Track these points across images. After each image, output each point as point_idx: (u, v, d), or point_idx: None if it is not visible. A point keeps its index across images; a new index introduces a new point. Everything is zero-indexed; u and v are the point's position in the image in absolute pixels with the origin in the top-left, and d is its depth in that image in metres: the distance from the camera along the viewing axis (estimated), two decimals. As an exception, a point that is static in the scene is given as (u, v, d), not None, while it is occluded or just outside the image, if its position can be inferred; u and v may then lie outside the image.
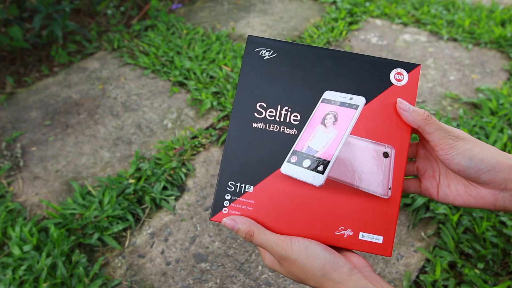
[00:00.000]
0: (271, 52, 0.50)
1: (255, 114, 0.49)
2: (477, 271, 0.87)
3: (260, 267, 0.92)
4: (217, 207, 0.48)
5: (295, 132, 0.48)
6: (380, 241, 0.46)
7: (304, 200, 0.47)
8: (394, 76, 0.48)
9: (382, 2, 2.01)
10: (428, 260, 0.92)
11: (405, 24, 1.86)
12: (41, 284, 0.86)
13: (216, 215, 0.47)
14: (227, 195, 0.48)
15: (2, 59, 1.64)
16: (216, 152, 1.21)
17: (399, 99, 0.47)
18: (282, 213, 0.47)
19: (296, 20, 1.89)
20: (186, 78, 1.50)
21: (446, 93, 1.43)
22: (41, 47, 1.71)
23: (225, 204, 0.47)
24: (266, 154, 0.48)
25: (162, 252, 0.96)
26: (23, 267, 0.90)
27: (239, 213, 0.47)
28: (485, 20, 1.82)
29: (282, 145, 0.48)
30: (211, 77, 1.50)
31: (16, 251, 0.93)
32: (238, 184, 0.48)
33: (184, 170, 1.14)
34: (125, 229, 1.01)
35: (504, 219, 0.95)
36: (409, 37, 1.76)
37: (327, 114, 0.48)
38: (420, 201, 1.00)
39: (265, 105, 0.49)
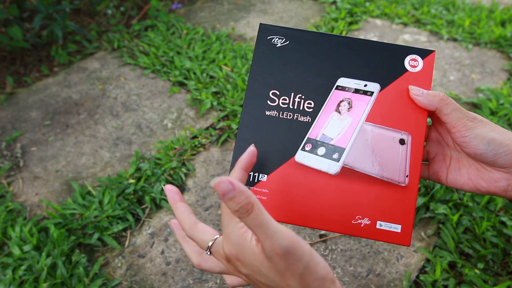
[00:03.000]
0: (284, 39, 0.49)
1: (268, 102, 0.48)
2: (477, 271, 0.87)
3: (260, 267, 0.92)
4: None
5: (309, 119, 0.47)
6: (399, 230, 0.45)
7: (319, 189, 0.46)
8: (409, 63, 0.47)
9: (382, 2, 2.01)
10: (428, 260, 0.92)
11: (405, 24, 1.86)
12: (41, 284, 0.86)
13: None
14: None
15: (2, 59, 1.64)
16: (216, 152, 1.21)
17: (410, 86, 0.46)
18: (297, 202, 0.46)
19: (296, 20, 1.89)
20: (186, 78, 1.50)
21: (446, 93, 1.43)
22: (41, 47, 1.71)
23: None
24: (280, 143, 0.47)
25: (162, 252, 0.96)
26: (23, 267, 0.90)
27: None
28: (485, 20, 1.82)
29: (296, 133, 0.47)
30: (211, 77, 1.50)
31: (16, 251, 0.93)
32: (251, 173, 0.47)
33: (184, 170, 1.14)
34: (125, 229, 1.01)
35: (504, 219, 0.95)
36: (409, 37, 1.76)
37: (341, 101, 0.47)
38: (420, 201, 1.00)
39: (278, 93, 0.48)
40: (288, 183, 0.46)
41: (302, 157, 0.46)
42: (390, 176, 0.46)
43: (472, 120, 0.44)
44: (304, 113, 0.47)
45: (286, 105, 0.47)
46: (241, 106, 1.32)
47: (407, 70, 0.47)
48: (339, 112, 0.47)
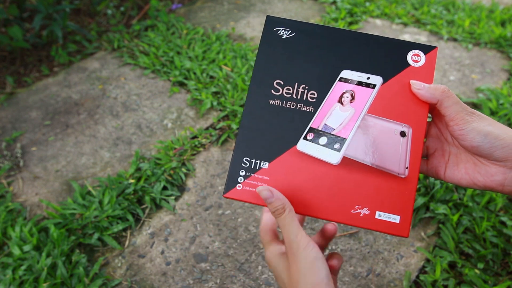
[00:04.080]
0: (289, 31, 0.50)
1: (272, 91, 0.49)
2: (477, 271, 0.87)
3: (260, 267, 0.92)
4: (231, 183, 0.47)
5: (311, 109, 0.48)
6: (397, 221, 0.45)
7: (320, 178, 0.46)
8: (411, 58, 0.48)
9: (382, 2, 2.01)
10: (428, 260, 0.92)
11: (405, 24, 1.86)
12: (41, 284, 0.86)
13: (229, 191, 0.47)
14: (242, 171, 0.47)
15: (2, 59, 1.64)
16: (216, 152, 1.21)
17: (411, 80, 0.47)
18: (297, 190, 0.46)
19: (296, 20, 1.89)
20: (186, 78, 1.50)
21: (446, 93, 1.43)
22: (41, 47, 1.71)
23: (239, 180, 0.47)
24: (282, 131, 0.48)
25: (162, 252, 0.96)
26: (23, 267, 0.90)
27: (254, 189, 0.47)
28: (485, 20, 1.82)
29: (299, 122, 0.48)
30: (211, 77, 1.50)
31: (16, 251, 0.93)
32: (253, 160, 0.47)
33: (184, 170, 1.14)
34: (125, 229, 1.01)
35: (504, 219, 0.95)
36: (409, 37, 1.76)
37: (344, 93, 0.48)
38: (420, 201, 1.00)
39: (282, 83, 0.49)
40: (289, 171, 0.47)
41: (304, 146, 0.47)
42: (390, 167, 0.46)
43: (470, 114, 0.45)
44: (307, 103, 0.48)
45: (289, 95, 0.48)
46: (241, 106, 1.32)
47: (409, 65, 0.48)
48: (342, 103, 0.48)
